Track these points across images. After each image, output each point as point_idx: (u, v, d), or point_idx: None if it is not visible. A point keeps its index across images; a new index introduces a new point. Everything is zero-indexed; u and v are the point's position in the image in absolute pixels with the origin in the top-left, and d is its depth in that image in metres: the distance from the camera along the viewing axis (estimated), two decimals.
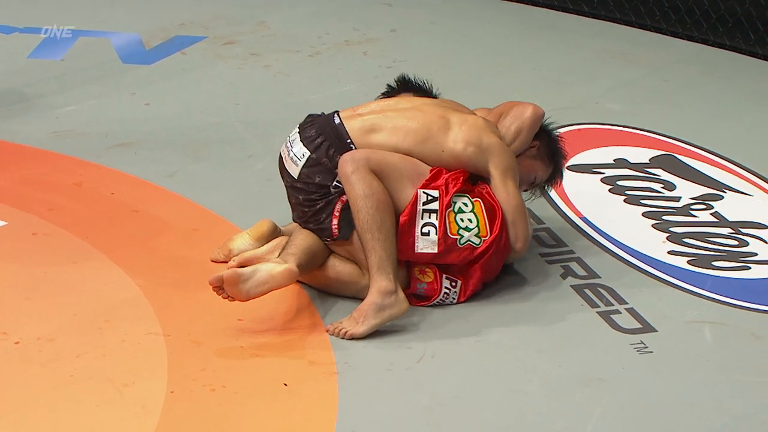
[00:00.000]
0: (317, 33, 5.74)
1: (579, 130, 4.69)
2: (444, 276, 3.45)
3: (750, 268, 3.77)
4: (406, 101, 3.60)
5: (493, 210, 3.45)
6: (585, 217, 4.02)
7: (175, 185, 4.12)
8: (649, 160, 4.47)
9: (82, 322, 3.28)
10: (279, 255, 3.39)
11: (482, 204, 3.44)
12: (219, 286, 3.22)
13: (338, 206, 3.40)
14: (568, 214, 4.04)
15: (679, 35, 5.84)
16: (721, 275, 3.72)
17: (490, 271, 3.51)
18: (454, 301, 3.48)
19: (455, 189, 3.42)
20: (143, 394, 2.99)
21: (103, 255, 3.62)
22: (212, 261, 3.62)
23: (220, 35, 5.66)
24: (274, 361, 3.17)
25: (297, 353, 3.21)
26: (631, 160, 4.46)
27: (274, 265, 3.27)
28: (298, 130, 3.50)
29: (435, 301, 3.46)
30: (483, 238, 3.43)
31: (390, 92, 3.81)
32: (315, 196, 3.42)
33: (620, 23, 6.02)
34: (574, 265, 3.73)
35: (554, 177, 3.73)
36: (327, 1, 6.20)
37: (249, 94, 5.00)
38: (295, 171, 3.44)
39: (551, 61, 5.51)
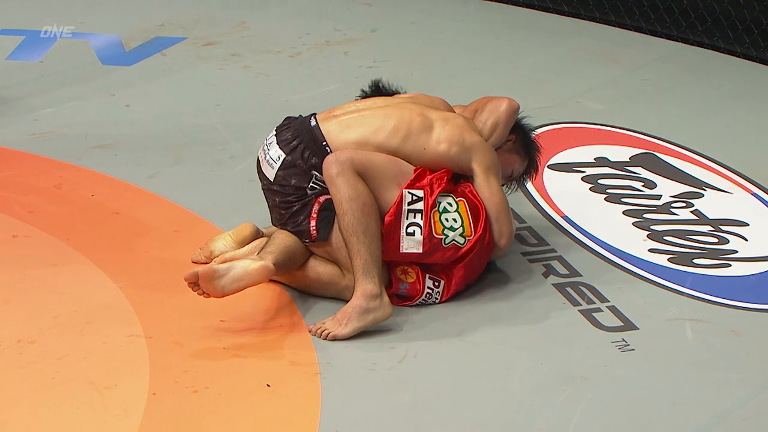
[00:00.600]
0: (298, 33, 5.73)
1: (559, 129, 4.70)
2: (427, 276, 3.45)
3: (730, 265, 3.78)
4: (381, 100, 3.60)
5: (476, 209, 3.46)
6: (566, 216, 4.03)
7: (155, 187, 4.11)
8: (630, 158, 4.49)
9: (63, 324, 3.27)
10: (258, 254, 3.39)
11: (466, 203, 3.45)
12: (194, 282, 3.20)
13: (315, 208, 3.40)
14: (549, 213, 4.05)
15: (658, 34, 5.86)
16: (701, 273, 3.73)
17: (474, 271, 3.51)
18: (437, 301, 3.48)
19: (440, 189, 3.42)
20: (125, 397, 2.98)
21: (83, 257, 3.61)
22: (193, 262, 3.61)
23: (200, 36, 5.65)
24: (257, 361, 3.17)
25: (279, 354, 3.21)
26: (612, 159, 4.47)
27: (249, 262, 3.26)
28: (275, 132, 3.50)
29: (418, 301, 3.46)
30: (467, 238, 3.44)
31: (364, 98, 3.80)
32: (291, 198, 3.42)
33: (600, 22, 6.04)
34: (555, 264, 3.74)
35: (530, 169, 3.75)
36: (307, 1, 6.20)
37: (229, 95, 4.99)
38: (271, 174, 3.44)
39: (532, 60, 5.52)
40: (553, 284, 3.63)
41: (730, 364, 3.26)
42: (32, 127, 4.56)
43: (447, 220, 3.42)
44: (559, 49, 5.68)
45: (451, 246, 3.43)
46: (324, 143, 3.42)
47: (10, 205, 3.90)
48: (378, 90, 3.79)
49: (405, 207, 3.38)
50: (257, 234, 3.62)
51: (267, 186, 3.48)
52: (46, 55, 5.32)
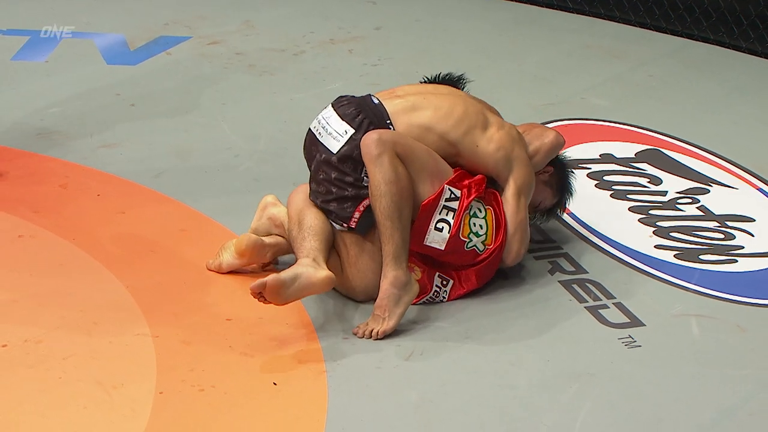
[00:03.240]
0: (302, 32, 5.73)
1: (565, 125, 4.70)
2: (436, 273, 3.45)
3: (737, 261, 3.78)
4: (444, 88, 3.58)
5: (499, 220, 3.47)
6: (572, 213, 4.02)
7: (161, 186, 4.11)
8: (635, 154, 4.48)
9: (69, 324, 3.27)
10: (306, 253, 3.30)
11: (493, 213, 3.45)
12: (259, 293, 3.18)
13: (365, 203, 3.37)
14: None
15: (663, 30, 5.86)
16: (707, 269, 3.73)
17: (483, 278, 3.51)
18: (444, 300, 3.48)
19: (476, 194, 3.42)
20: (132, 396, 2.99)
21: (90, 257, 3.61)
22: (208, 269, 3.56)
23: (205, 35, 5.65)
24: (263, 360, 3.17)
25: (286, 352, 3.21)
26: (617, 155, 4.47)
27: (313, 271, 3.23)
28: (331, 107, 3.45)
29: (424, 299, 3.46)
30: (487, 246, 3.44)
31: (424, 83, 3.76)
32: (349, 179, 3.36)
33: (604, 18, 6.04)
34: (561, 261, 3.74)
35: (556, 209, 3.75)
36: None
37: (234, 93, 4.99)
38: (335, 146, 3.37)
39: (536, 57, 5.52)
40: (559, 281, 3.62)
41: (737, 360, 3.26)
42: (38, 126, 4.57)
43: (474, 225, 3.42)
44: (564, 46, 5.68)
45: (471, 251, 3.42)
46: (388, 121, 3.39)
47: (16, 205, 3.90)
48: (440, 81, 3.74)
49: (442, 201, 3.37)
50: (255, 243, 3.52)
51: (325, 158, 3.39)
52: (51, 55, 5.33)
